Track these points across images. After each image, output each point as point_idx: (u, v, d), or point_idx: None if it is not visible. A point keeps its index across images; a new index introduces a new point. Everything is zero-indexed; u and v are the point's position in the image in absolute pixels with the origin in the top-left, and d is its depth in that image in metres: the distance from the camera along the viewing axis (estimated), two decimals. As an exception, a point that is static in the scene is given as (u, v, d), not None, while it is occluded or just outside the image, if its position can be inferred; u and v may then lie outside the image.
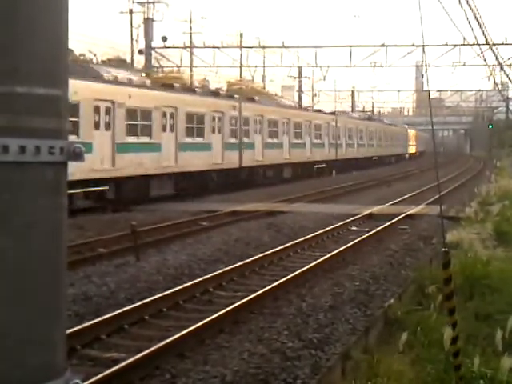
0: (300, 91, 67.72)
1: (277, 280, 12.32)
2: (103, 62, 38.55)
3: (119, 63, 40.31)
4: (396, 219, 21.33)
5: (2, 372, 1.99)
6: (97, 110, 23.61)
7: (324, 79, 58.67)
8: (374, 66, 50.94)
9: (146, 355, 8.01)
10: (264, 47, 52.47)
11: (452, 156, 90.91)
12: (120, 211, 22.92)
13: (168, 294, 11.04)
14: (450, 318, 6.66)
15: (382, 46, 48.31)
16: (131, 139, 25.47)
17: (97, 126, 23.61)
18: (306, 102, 67.71)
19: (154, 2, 44.82)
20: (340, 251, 15.54)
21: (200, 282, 12.03)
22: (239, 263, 13.75)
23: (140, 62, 46.46)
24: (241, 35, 55.48)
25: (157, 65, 47.72)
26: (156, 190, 27.60)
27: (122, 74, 27.29)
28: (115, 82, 25.55)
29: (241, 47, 54.23)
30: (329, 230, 18.93)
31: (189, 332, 8.96)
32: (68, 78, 2.17)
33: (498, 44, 40.82)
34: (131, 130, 25.57)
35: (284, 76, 64.91)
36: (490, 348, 7.75)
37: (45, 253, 2.06)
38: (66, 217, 2.14)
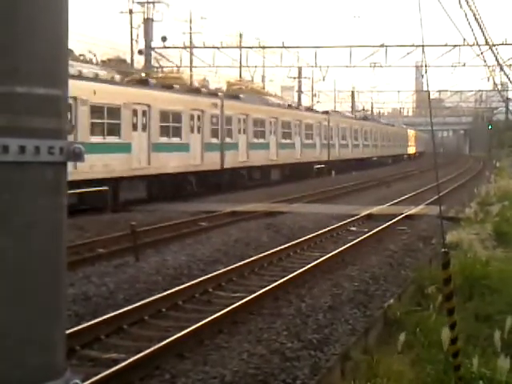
0: (300, 91, 67.78)
1: (276, 280, 12.31)
2: (103, 62, 38.62)
3: (119, 63, 40.41)
4: (395, 219, 21.33)
5: (2, 372, 1.99)
6: None
7: (324, 79, 58.73)
8: (374, 66, 50.95)
9: (146, 355, 8.02)
10: (264, 47, 52.53)
11: (452, 156, 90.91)
12: (119, 211, 22.92)
13: (167, 295, 11.04)
14: (450, 319, 6.66)
15: (382, 46, 48.34)
16: (96, 139, 23.28)
17: None
18: (305, 103, 67.74)
19: (153, 2, 44.89)
20: (339, 252, 15.53)
21: (199, 282, 12.02)
22: (238, 264, 13.74)
23: (140, 62, 46.58)
24: (240, 35, 55.66)
25: (157, 65, 47.75)
26: (126, 193, 25.68)
27: (87, 69, 25.37)
28: (78, 76, 22.56)
29: (240, 47, 54.28)
30: (328, 231, 18.92)
31: (188, 332, 8.96)
32: (68, 78, 2.17)
33: (497, 44, 40.87)
34: (96, 129, 23.60)
35: (284, 76, 65.09)
36: (490, 348, 7.75)
37: (45, 253, 2.06)
38: (66, 217, 2.14)
